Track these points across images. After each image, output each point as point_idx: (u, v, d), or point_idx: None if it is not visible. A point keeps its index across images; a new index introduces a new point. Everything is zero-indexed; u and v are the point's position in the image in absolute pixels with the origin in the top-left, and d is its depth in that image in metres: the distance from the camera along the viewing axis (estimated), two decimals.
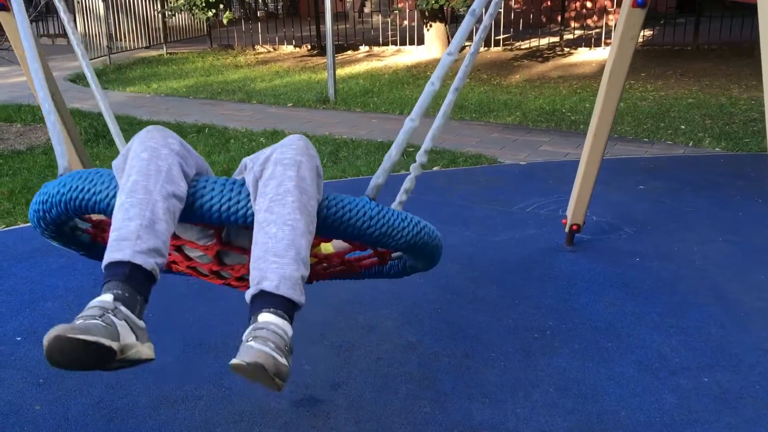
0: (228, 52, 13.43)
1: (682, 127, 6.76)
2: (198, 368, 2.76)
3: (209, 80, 10.25)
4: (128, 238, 1.48)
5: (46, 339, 1.35)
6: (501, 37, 12.63)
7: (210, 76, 10.61)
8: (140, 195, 1.52)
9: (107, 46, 12.00)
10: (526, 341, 2.93)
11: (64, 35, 16.21)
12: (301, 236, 1.54)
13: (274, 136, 6.68)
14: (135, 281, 1.47)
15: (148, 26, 13.54)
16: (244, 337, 1.48)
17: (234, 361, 1.40)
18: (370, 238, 1.76)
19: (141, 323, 1.48)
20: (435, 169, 5.49)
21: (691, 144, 6.18)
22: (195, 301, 3.32)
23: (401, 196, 1.96)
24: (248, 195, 1.63)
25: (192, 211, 1.64)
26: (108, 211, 1.65)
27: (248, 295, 1.54)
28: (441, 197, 4.70)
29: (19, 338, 3.01)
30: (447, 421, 2.42)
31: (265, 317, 1.49)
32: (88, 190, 1.68)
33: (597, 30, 13.49)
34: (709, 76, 9.45)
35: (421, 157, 2.00)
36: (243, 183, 1.66)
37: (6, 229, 4.35)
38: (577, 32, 14.13)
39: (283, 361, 1.43)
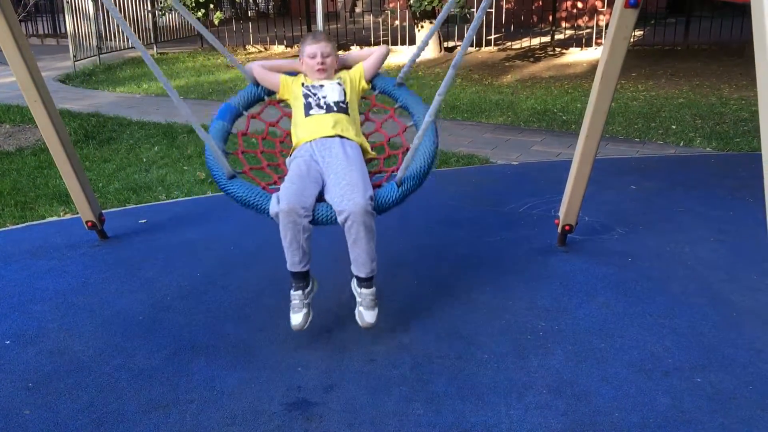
0: (219, 52, 13.38)
1: (673, 127, 6.78)
2: (189, 371, 2.74)
3: (200, 80, 10.21)
4: (296, 263, 2.85)
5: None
6: (492, 37, 12.64)
7: (201, 77, 10.56)
8: (295, 245, 2.80)
9: (97, 46, 11.92)
10: (519, 342, 2.93)
11: (53, 35, 16.12)
12: (372, 250, 2.84)
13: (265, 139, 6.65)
14: (304, 275, 2.91)
15: (138, 26, 13.46)
16: (358, 298, 2.96)
17: (358, 323, 2.94)
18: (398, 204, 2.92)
19: (310, 287, 2.95)
20: None
21: (682, 144, 6.20)
22: (186, 304, 3.30)
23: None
24: (334, 214, 2.84)
25: (314, 223, 2.84)
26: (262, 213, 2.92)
27: (353, 271, 2.91)
28: (433, 198, 4.69)
29: (8, 342, 2.97)
30: (440, 423, 2.41)
31: (364, 291, 2.92)
32: (258, 205, 2.91)
33: (588, 30, 13.51)
34: (699, 76, 9.48)
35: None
36: (331, 209, 2.84)
37: None
38: (569, 32, 14.15)
39: (375, 311, 2.93)
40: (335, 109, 3.18)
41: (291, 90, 3.33)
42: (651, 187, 4.94)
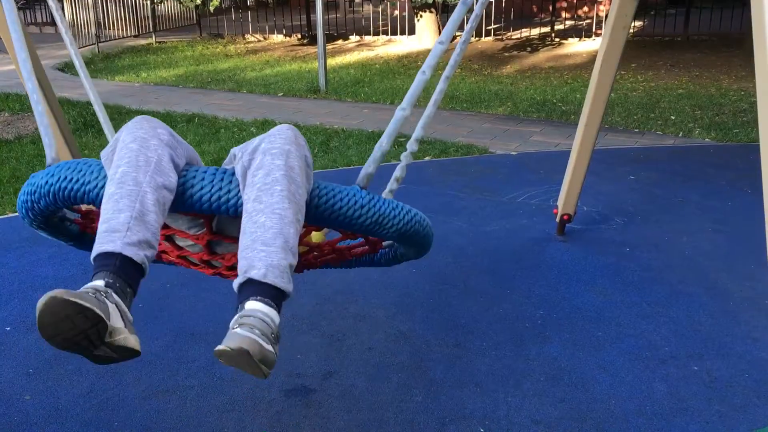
0: (218, 41, 13.34)
1: (672, 117, 6.78)
2: (189, 358, 2.75)
3: (199, 69, 10.19)
4: (118, 229, 1.47)
5: (41, 301, 1.32)
6: (492, 27, 12.61)
7: (200, 65, 10.54)
8: (130, 186, 1.50)
9: (96, 35, 11.89)
10: (517, 330, 2.94)
11: (52, 23, 16.05)
12: (289, 225, 1.52)
13: (265, 126, 6.65)
14: (125, 273, 1.47)
15: (137, 14, 13.42)
16: (231, 325, 1.46)
17: (219, 347, 1.37)
18: (360, 227, 1.75)
19: (130, 315, 1.49)
20: (426, 159, 5.48)
21: (681, 135, 6.20)
22: (186, 290, 3.31)
23: (392, 185, 1.95)
24: (238, 185, 1.61)
25: (182, 201, 1.62)
26: (97, 201, 1.63)
27: (236, 283, 1.53)
28: (432, 187, 4.70)
29: (8, 328, 2.99)
30: (438, 410, 2.43)
31: (252, 305, 1.47)
32: (77, 180, 1.65)
33: (588, 21, 13.49)
34: (699, 67, 9.48)
35: (411, 145, 1.98)
36: (233, 173, 1.63)
37: None
38: (568, 23, 14.12)
39: (269, 347, 1.40)
40: None
41: None
42: (650, 177, 4.95)
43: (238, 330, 1.40)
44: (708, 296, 3.22)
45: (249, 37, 13.66)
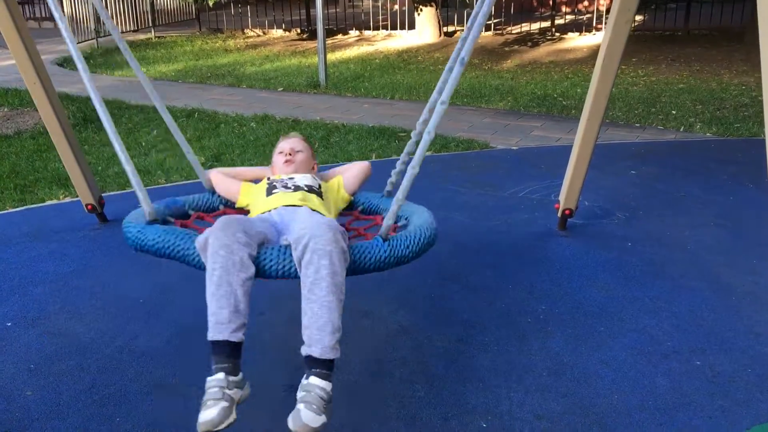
0: (217, 35, 13.31)
1: (674, 112, 6.77)
2: (191, 353, 2.75)
3: (198, 64, 10.17)
4: (223, 322, 2.05)
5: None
6: (492, 22, 12.58)
7: (199, 60, 10.52)
8: (225, 288, 2.06)
9: (95, 30, 11.86)
10: (519, 325, 2.94)
11: (51, 19, 16.00)
12: (335, 310, 2.04)
13: (265, 121, 6.64)
14: (233, 351, 2.07)
15: (136, 9, 13.39)
16: (298, 394, 1.99)
17: (289, 426, 1.92)
18: (385, 268, 2.28)
19: (240, 378, 2.07)
20: (427, 154, 5.47)
21: (682, 129, 6.19)
22: (188, 286, 3.30)
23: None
24: (292, 259, 2.14)
25: (259, 274, 2.17)
26: (190, 262, 2.28)
27: (303, 351, 2.06)
28: (433, 182, 4.69)
29: (9, 324, 2.98)
30: (441, 405, 2.42)
31: (313, 381, 2.00)
32: (180, 249, 2.28)
33: (588, 15, 13.45)
34: (699, 62, 9.46)
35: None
36: (287, 250, 2.16)
37: None
38: (569, 17, 14.09)
39: (322, 418, 1.92)
40: (305, 189, 2.69)
41: (252, 192, 2.85)
42: (651, 172, 4.94)
43: (302, 407, 1.93)
44: (710, 291, 3.21)
45: (248, 32, 13.63)
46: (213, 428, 1.91)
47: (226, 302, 2.05)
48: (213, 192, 3.02)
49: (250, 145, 5.80)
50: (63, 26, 2.50)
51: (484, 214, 4.19)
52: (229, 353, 2.05)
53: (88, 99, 7.44)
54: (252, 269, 2.11)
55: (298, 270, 2.12)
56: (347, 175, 2.95)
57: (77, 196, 4.10)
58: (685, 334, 2.86)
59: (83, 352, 2.76)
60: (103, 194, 4.17)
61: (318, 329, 2.02)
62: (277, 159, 2.95)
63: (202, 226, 2.66)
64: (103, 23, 12.13)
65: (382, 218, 2.62)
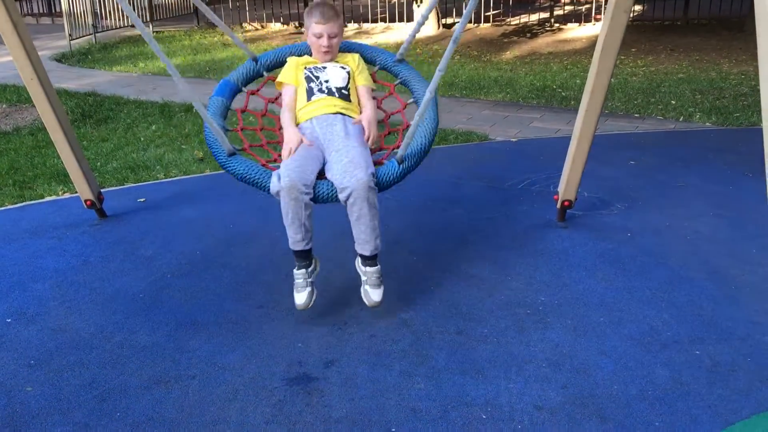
0: (215, 30, 13.28)
1: (673, 102, 6.75)
2: (190, 347, 2.75)
3: (196, 59, 10.14)
4: (298, 241, 2.84)
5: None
6: (491, 13, 12.54)
7: (197, 55, 10.49)
8: (296, 221, 2.79)
9: (92, 25, 11.83)
10: (519, 317, 2.94)
11: (48, 14, 15.98)
12: (376, 227, 2.83)
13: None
14: (307, 254, 2.91)
15: (134, 4, 13.34)
16: (362, 278, 2.96)
17: (364, 301, 2.93)
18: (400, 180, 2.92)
19: (313, 267, 2.95)
20: None
21: (681, 119, 6.18)
22: (186, 280, 3.30)
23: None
24: (336, 192, 2.82)
25: (316, 203, 2.83)
26: (263, 190, 2.90)
27: (357, 249, 2.92)
28: (432, 175, 4.68)
29: (9, 320, 2.98)
30: (441, 397, 2.43)
31: (369, 269, 2.92)
32: (259, 182, 2.89)
33: (587, 5, 13.40)
34: (699, 51, 9.43)
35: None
36: (333, 186, 2.83)
37: None
38: (568, 8, 14.04)
39: (382, 290, 2.92)
40: (337, 95, 3.14)
41: (295, 76, 3.24)
42: (650, 162, 4.93)
43: (368, 288, 2.92)
44: (709, 280, 3.21)
45: (246, 26, 13.59)
46: (306, 307, 2.88)
47: (298, 228, 2.79)
48: (255, 60, 3.46)
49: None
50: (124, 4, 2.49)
51: (483, 205, 4.18)
52: (305, 256, 2.89)
53: (86, 94, 7.45)
54: (311, 205, 2.80)
55: (343, 203, 2.80)
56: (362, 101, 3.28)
57: (76, 192, 4.10)
58: (684, 323, 2.86)
59: (83, 347, 2.77)
60: (101, 190, 4.16)
61: (365, 241, 2.85)
62: (314, 42, 3.22)
63: (258, 111, 3.55)
64: (110, 16, 12.08)
65: (395, 86, 3.46)
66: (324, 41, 3.17)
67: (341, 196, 2.77)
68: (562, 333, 2.81)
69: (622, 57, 9.06)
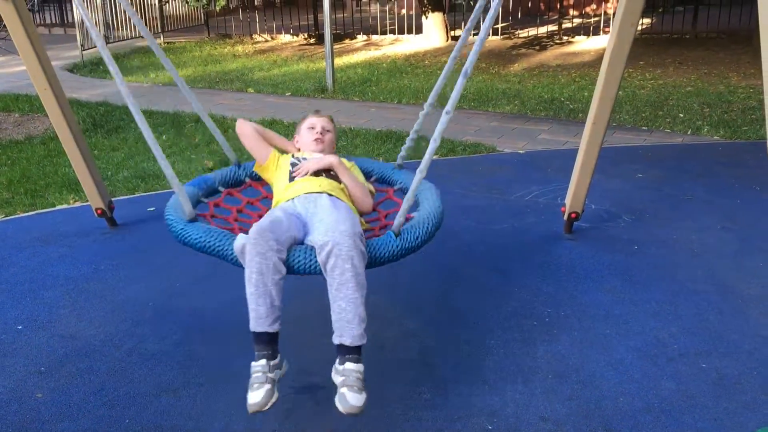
0: (226, 41, 13.38)
1: (681, 115, 6.76)
2: (199, 355, 2.77)
3: (207, 70, 10.23)
4: (261, 317, 2.26)
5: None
6: (500, 25, 12.60)
7: (208, 66, 10.58)
8: (261, 288, 2.26)
9: (104, 36, 11.95)
10: (526, 328, 2.95)
11: (61, 25, 16.14)
12: (360, 305, 2.27)
13: (273, 126, 6.67)
14: (271, 339, 2.29)
15: (145, 15, 13.47)
16: (335, 379, 2.27)
17: (339, 408, 2.17)
18: (396, 260, 2.47)
19: (278, 360, 2.29)
20: (434, 158, 5.48)
21: (689, 132, 6.19)
22: (196, 288, 3.33)
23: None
24: (317, 260, 2.32)
25: (289, 272, 2.35)
26: (227, 260, 2.43)
27: (334, 340, 2.29)
28: (440, 186, 4.67)
29: (20, 327, 3.02)
30: (447, 407, 2.44)
31: (348, 366, 2.25)
32: (220, 248, 2.43)
33: (596, 18, 13.44)
34: (707, 65, 9.44)
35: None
36: (313, 252, 2.34)
37: (5, 219, 4.35)
38: (576, 20, 14.09)
39: (363, 396, 2.19)
40: (324, 175, 2.83)
41: (278, 164, 2.98)
42: (658, 175, 4.94)
43: (345, 391, 2.18)
44: (716, 294, 3.22)
45: (257, 37, 13.69)
46: (260, 409, 2.17)
47: (263, 301, 2.27)
48: (238, 165, 3.27)
49: None
50: (87, 23, 2.54)
51: (490, 217, 4.20)
52: (268, 341, 2.28)
53: (98, 104, 7.52)
54: (283, 270, 2.33)
55: (323, 271, 2.34)
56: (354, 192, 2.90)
57: (87, 201, 4.14)
58: (691, 336, 2.87)
59: (93, 354, 2.79)
60: (112, 199, 4.21)
61: (347, 322, 2.27)
62: (307, 134, 3.09)
63: (233, 205, 3.07)
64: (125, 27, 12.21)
65: (394, 191, 3.16)
66: (318, 129, 3.04)
67: (320, 257, 2.28)
68: (568, 345, 2.82)
69: (631, 70, 9.08)
